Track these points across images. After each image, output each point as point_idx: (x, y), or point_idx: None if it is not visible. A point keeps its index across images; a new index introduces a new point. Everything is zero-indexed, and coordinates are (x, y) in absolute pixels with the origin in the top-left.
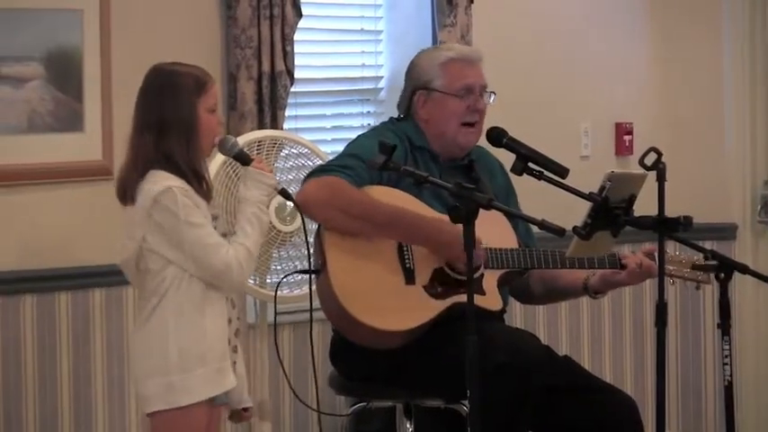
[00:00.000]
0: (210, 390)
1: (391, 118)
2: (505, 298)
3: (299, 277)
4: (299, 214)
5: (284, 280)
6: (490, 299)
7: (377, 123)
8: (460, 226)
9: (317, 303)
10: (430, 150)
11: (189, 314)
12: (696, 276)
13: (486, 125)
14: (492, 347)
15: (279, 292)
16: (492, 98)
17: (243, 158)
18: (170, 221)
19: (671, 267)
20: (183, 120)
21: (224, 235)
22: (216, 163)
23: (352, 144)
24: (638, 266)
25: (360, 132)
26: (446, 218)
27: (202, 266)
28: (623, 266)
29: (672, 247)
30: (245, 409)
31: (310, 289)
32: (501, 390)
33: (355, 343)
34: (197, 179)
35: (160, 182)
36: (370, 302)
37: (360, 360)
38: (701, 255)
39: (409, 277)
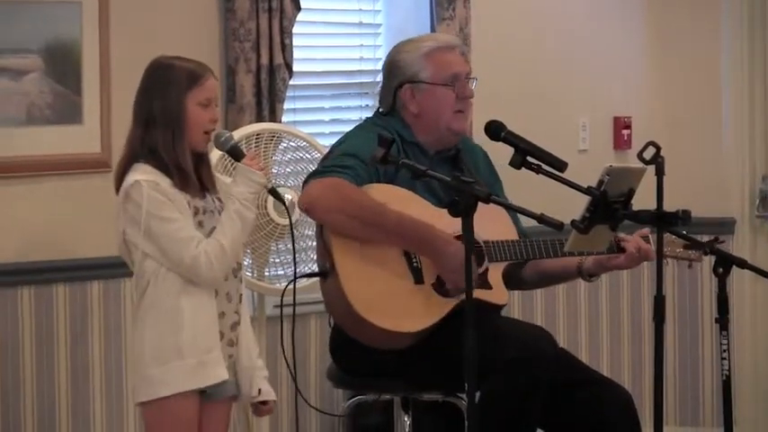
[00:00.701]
0: (190, 383)
1: (376, 113)
2: None
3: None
4: (296, 207)
5: (282, 273)
6: (497, 293)
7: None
8: (461, 246)
9: (306, 298)
10: (417, 144)
11: (165, 307)
12: (688, 255)
13: (485, 118)
14: (503, 342)
15: (277, 285)
16: (474, 84)
17: (235, 154)
18: (138, 214)
19: (665, 248)
20: (168, 114)
21: (213, 230)
22: (213, 157)
23: (345, 143)
24: (637, 251)
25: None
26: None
27: (172, 260)
28: (621, 250)
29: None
30: (264, 402)
31: (294, 289)
32: (510, 387)
33: (363, 343)
34: (180, 174)
35: (133, 175)
36: (382, 305)
37: (361, 355)
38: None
39: (417, 277)
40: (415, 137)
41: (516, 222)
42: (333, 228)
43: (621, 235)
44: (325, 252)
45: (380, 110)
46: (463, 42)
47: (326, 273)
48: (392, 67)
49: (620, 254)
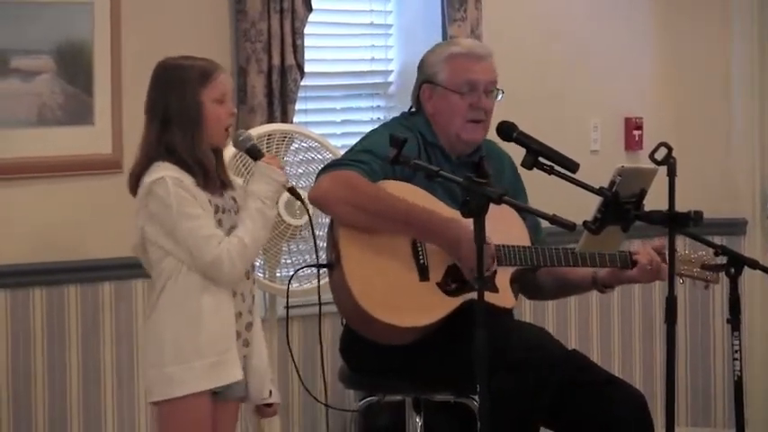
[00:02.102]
0: (208, 382)
1: (403, 113)
2: (515, 294)
3: (309, 271)
4: (311, 207)
5: (294, 274)
6: (503, 296)
7: (386, 117)
8: (472, 228)
9: (324, 298)
10: (440, 146)
11: (185, 306)
12: (705, 276)
13: (496, 120)
14: (510, 344)
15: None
16: (500, 96)
17: (254, 153)
18: (162, 211)
19: (681, 267)
20: (186, 113)
21: (232, 228)
22: (226, 155)
23: (365, 140)
24: (649, 263)
25: (369, 126)
26: (460, 217)
27: (194, 258)
28: (634, 263)
29: (681, 243)
30: (269, 405)
31: (318, 283)
32: (519, 386)
33: (368, 338)
34: (202, 171)
35: (156, 172)
36: (385, 299)
37: (370, 354)
38: (711, 253)
39: (423, 274)
40: (438, 138)
41: (536, 230)
42: (342, 219)
43: (634, 248)
44: (332, 244)
45: (411, 108)
46: None
47: (332, 265)
48: (420, 63)
49: (633, 267)
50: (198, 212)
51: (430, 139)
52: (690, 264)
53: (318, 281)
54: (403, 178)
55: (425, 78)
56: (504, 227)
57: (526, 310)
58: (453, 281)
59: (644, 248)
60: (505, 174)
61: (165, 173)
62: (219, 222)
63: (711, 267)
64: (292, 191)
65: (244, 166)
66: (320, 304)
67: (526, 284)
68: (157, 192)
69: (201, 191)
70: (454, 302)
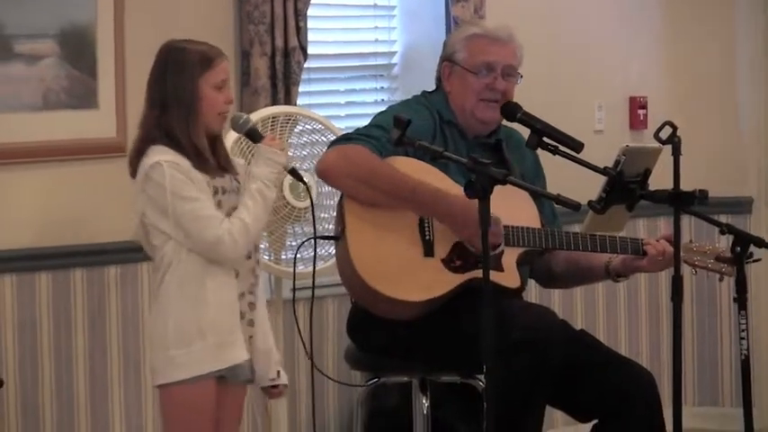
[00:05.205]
0: (212, 364)
1: (424, 91)
2: (525, 278)
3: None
4: (313, 190)
5: (299, 256)
6: (508, 276)
7: (390, 99)
8: (474, 205)
9: (323, 281)
10: (457, 125)
11: (188, 288)
12: (720, 268)
13: None
14: (509, 324)
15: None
16: (518, 80)
17: (254, 136)
18: (160, 195)
19: (695, 258)
20: (183, 97)
21: (233, 209)
22: (229, 140)
23: (381, 115)
24: (661, 255)
25: (373, 107)
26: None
27: (194, 239)
28: (645, 253)
29: (687, 222)
30: (275, 386)
31: (314, 264)
32: (518, 367)
33: (371, 312)
34: (197, 155)
35: (153, 157)
36: (387, 272)
37: (377, 331)
38: (724, 246)
39: (428, 249)
40: (455, 117)
41: (553, 214)
42: (346, 193)
43: (647, 239)
44: (339, 217)
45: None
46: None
47: (338, 238)
48: (444, 42)
49: (644, 256)
50: (195, 194)
51: (447, 117)
52: (704, 255)
53: (314, 265)
54: (415, 154)
55: (446, 56)
56: (513, 209)
57: (533, 292)
58: (458, 258)
59: (657, 241)
60: (527, 161)
61: (161, 157)
62: (219, 204)
63: (726, 260)
64: (293, 172)
65: (248, 149)
66: (314, 285)
67: (539, 272)
68: (154, 176)
69: (199, 173)
70: (457, 279)
